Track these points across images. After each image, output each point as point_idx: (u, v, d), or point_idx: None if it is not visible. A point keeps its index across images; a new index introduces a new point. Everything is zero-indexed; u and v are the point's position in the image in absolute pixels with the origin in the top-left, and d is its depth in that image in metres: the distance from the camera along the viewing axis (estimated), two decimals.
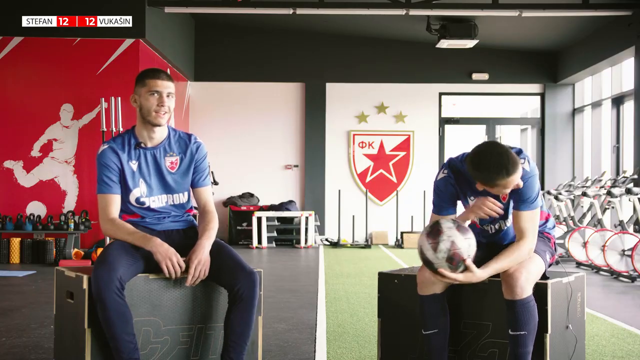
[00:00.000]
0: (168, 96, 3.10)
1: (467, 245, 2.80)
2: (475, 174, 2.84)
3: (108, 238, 8.34)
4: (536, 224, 2.96)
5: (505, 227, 3.09)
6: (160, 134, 3.16)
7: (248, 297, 2.95)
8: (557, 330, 2.97)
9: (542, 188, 12.35)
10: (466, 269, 2.80)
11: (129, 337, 2.82)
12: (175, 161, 3.18)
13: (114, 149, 3.09)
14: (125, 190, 3.10)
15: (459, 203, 3.15)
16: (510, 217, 3.04)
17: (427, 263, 2.83)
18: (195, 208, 3.33)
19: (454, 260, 2.78)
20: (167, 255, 2.94)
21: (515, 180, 2.83)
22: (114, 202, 3.08)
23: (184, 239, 3.16)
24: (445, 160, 3.15)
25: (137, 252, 2.97)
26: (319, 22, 11.87)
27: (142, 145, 3.13)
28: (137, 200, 3.11)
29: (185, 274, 2.98)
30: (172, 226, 3.19)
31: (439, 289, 2.95)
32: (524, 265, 2.84)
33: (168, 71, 10.66)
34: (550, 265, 3.06)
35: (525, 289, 2.80)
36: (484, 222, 3.11)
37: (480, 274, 2.83)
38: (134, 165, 3.11)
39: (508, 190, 2.88)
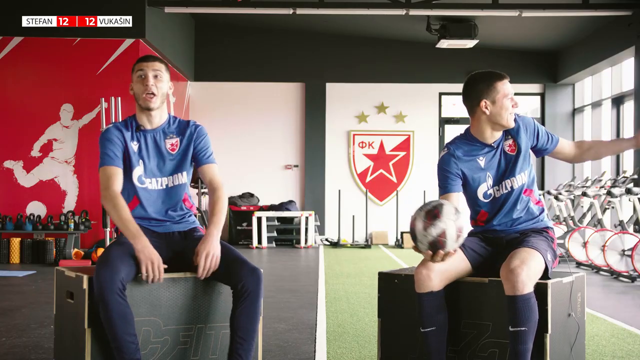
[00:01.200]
0: (156, 77, 3.12)
1: (455, 238, 2.84)
2: (492, 79, 3.10)
3: (109, 237, 8.34)
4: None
5: (518, 186, 3.12)
6: (159, 118, 3.18)
7: (253, 293, 2.93)
8: (557, 330, 2.97)
9: (542, 188, 12.37)
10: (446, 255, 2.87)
11: (130, 337, 2.81)
12: (176, 142, 3.19)
13: (118, 127, 3.14)
14: (128, 169, 3.11)
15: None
16: (523, 172, 3.13)
17: (412, 235, 2.91)
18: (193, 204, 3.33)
19: (436, 248, 2.84)
20: (150, 257, 2.89)
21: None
22: (117, 175, 3.07)
23: (184, 241, 3.16)
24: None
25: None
26: (319, 22, 11.87)
27: (142, 127, 3.16)
28: (139, 178, 3.11)
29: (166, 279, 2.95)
30: (173, 228, 3.19)
31: (436, 287, 2.95)
32: (525, 262, 2.84)
33: None
34: (551, 268, 3.05)
35: (526, 285, 2.80)
36: (500, 181, 3.13)
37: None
38: (134, 145, 3.14)
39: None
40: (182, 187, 3.21)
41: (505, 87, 3.09)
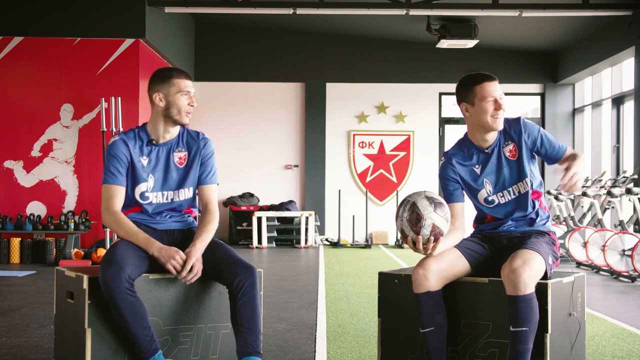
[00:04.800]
0: (194, 95, 3.18)
1: (444, 221, 2.92)
2: (470, 82, 3.08)
3: (109, 237, 8.34)
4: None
5: (524, 191, 3.12)
6: (174, 132, 3.20)
7: (249, 289, 2.94)
8: (558, 328, 2.97)
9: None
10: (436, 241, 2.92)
11: (145, 330, 2.85)
12: (184, 156, 3.21)
13: (126, 142, 3.12)
14: (132, 184, 3.12)
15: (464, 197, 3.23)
16: (527, 178, 3.12)
17: (408, 240, 2.95)
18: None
19: (436, 239, 2.92)
20: (170, 255, 2.95)
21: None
22: (119, 194, 3.10)
23: (183, 239, 3.17)
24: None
25: (143, 251, 2.99)
26: (319, 22, 11.86)
27: (154, 142, 3.16)
28: (142, 194, 3.12)
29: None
30: (173, 225, 3.20)
31: (433, 287, 2.96)
32: (527, 262, 2.84)
33: None
34: (552, 270, 3.04)
35: (528, 285, 2.80)
36: (503, 188, 3.13)
37: (580, 159, 3.01)
38: (144, 160, 3.14)
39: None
40: (187, 202, 3.24)
41: (484, 90, 3.05)
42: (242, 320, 2.93)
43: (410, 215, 2.90)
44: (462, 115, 3.16)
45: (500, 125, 3.09)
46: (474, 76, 3.11)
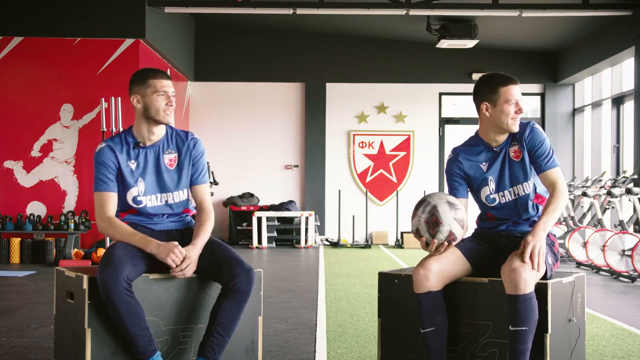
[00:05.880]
0: (173, 95, 3.15)
1: (461, 228, 2.97)
2: (496, 83, 3.08)
3: (109, 239, 8.34)
4: (562, 177, 3.10)
5: (524, 194, 3.12)
6: (159, 132, 3.18)
7: (243, 291, 2.95)
8: (557, 329, 2.97)
9: None
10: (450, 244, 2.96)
11: (143, 331, 2.85)
12: (174, 158, 3.20)
13: (112, 148, 3.11)
14: (123, 189, 3.12)
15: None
16: (530, 180, 3.12)
17: (422, 241, 3.00)
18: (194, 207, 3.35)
19: (449, 243, 2.96)
20: (169, 249, 2.96)
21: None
22: (111, 200, 3.10)
23: (182, 239, 3.17)
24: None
25: (141, 251, 2.99)
26: (319, 22, 11.87)
27: (141, 144, 3.14)
28: (134, 199, 3.12)
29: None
30: (171, 226, 3.20)
31: (434, 287, 2.96)
32: (527, 262, 2.84)
33: (168, 71, 10.70)
34: (552, 271, 3.04)
35: (528, 284, 2.81)
36: (504, 188, 3.14)
37: (540, 235, 2.89)
38: (132, 164, 3.12)
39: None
40: (182, 203, 3.24)
41: (508, 93, 3.07)
42: (217, 324, 2.95)
43: (429, 218, 2.93)
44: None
45: (516, 128, 3.11)
46: (499, 77, 3.12)
